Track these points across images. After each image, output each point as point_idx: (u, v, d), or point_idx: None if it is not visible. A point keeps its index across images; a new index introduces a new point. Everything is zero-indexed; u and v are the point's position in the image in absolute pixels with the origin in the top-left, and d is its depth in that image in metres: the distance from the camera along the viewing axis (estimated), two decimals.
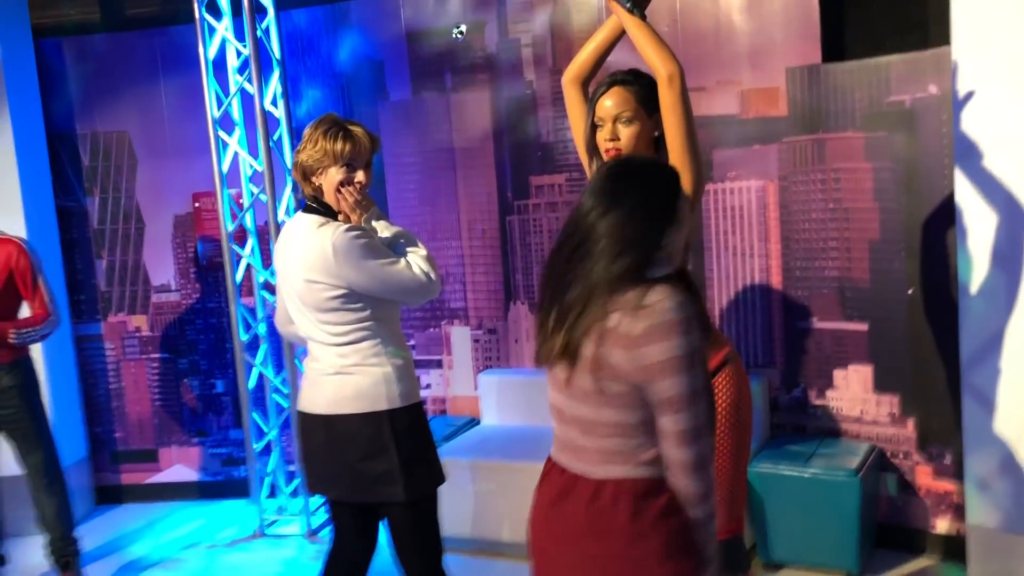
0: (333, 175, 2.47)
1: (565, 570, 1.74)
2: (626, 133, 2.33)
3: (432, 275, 2.49)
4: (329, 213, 2.51)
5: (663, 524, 1.65)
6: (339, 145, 2.46)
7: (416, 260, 2.48)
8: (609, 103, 2.33)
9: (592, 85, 2.46)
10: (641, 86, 2.33)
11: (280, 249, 2.58)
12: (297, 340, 2.70)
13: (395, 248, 2.52)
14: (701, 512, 1.66)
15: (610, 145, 2.34)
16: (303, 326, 2.54)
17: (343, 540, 2.65)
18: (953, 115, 3.05)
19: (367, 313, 2.47)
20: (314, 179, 2.50)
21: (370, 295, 2.44)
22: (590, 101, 2.38)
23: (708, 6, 3.81)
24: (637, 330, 1.60)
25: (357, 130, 2.51)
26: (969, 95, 2.97)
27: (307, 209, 2.53)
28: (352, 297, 2.43)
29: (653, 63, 2.24)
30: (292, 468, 4.42)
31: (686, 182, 2.27)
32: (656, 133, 2.35)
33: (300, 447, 2.64)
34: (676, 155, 2.27)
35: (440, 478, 2.55)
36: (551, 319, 1.72)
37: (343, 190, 2.49)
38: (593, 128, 2.38)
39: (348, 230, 2.42)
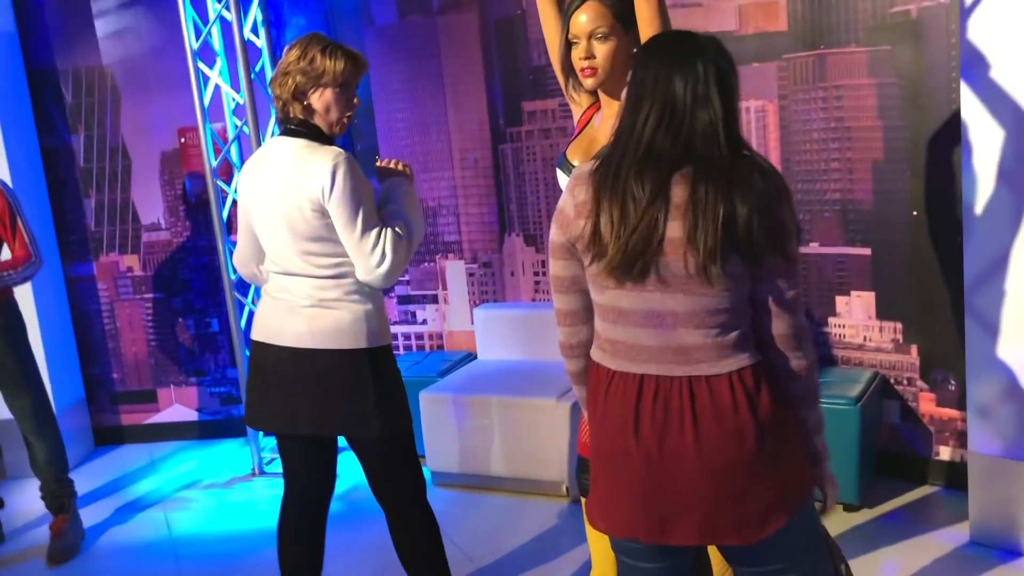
0: (328, 96, 2.36)
1: (700, 484, 1.59)
2: (602, 50, 2.18)
3: (385, 267, 2.33)
4: (320, 137, 2.39)
5: (778, 413, 1.62)
6: (340, 64, 2.35)
7: (388, 239, 2.34)
8: (583, 18, 2.18)
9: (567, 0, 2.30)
10: None
11: (253, 178, 2.43)
12: (257, 282, 2.59)
13: (385, 207, 2.42)
14: (814, 385, 1.66)
15: (585, 64, 2.19)
16: (280, 257, 2.41)
17: (301, 479, 2.58)
18: (960, 24, 2.87)
19: (338, 257, 2.39)
20: (308, 98, 2.37)
21: None
22: (563, 16, 2.24)
23: None
24: (769, 191, 1.57)
25: (348, 49, 2.41)
26: (976, 2, 2.78)
27: (290, 133, 2.39)
28: None
29: None
30: None
31: None
32: (635, 50, 2.21)
33: (254, 380, 2.51)
34: None
35: (410, 416, 2.51)
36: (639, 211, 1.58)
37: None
38: (568, 46, 2.24)
39: (351, 161, 2.33)
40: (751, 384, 1.60)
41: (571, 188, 1.73)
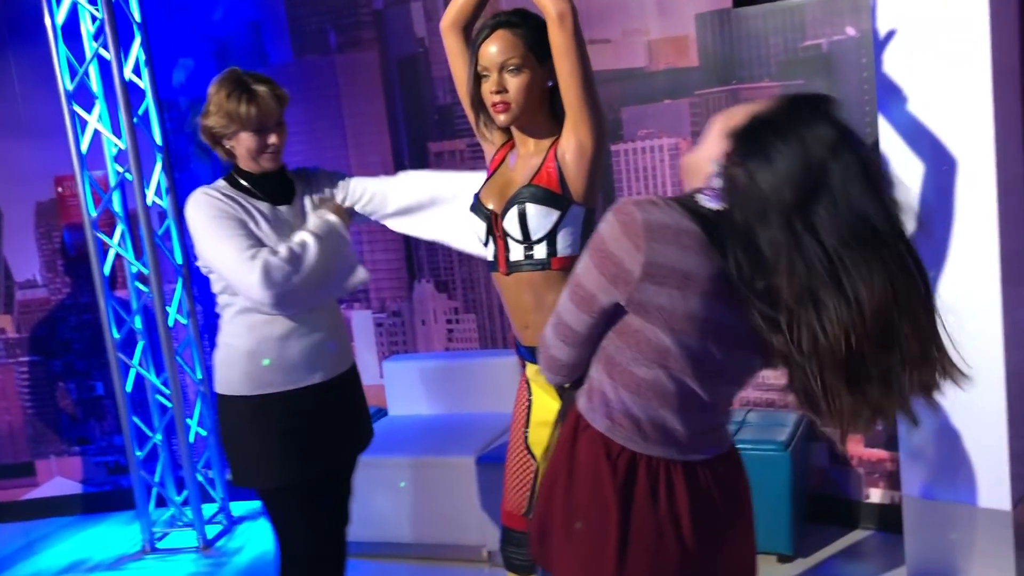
0: (245, 140, 2.28)
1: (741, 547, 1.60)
2: (514, 83, 2.02)
3: (262, 289, 2.17)
4: (252, 180, 2.34)
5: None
6: (243, 109, 2.26)
7: (279, 259, 2.20)
8: (493, 49, 2.02)
9: (475, 30, 2.13)
10: (529, 28, 2.02)
11: None
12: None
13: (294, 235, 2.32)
14: None
15: (497, 99, 2.02)
16: None
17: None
18: (875, 57, 2.82)
19: (221, 284, 2.30)
20: (226, 143, 2.32)
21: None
22: (471, 48, 2.06)
23: None
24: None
25: (262, 89, 2.29)
26: (891, 34, 2.73)
27: (229, 180, 2.35)
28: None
29: (541, 1, 1.93)
30: (182, 474, 4.03)
31: (585, 137, 1.98)
32: (549, 83, 2.05)
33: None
34: (572, 107, 1.97)
35: (270, 479, 2.32)
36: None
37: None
38: (477, 79, 2.06)
39: (205, 191, 2.29)
40: None
41: None
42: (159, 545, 3.90)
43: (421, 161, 3.97)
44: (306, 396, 2.33)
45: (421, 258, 4.08)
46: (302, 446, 2.33)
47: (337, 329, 2.44)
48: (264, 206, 2.32)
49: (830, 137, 1.29)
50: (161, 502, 4.11)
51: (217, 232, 2.22)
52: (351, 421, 2.48)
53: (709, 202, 1.42)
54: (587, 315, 1.49)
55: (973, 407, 2.73)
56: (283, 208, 2.35)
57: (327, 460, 2.40)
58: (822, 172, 1.27)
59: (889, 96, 2.76)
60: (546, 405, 2.21)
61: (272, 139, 2.31)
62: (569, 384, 1.67)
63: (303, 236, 2.29)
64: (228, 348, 2.32)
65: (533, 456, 2.23)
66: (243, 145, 2.30)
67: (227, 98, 2.27)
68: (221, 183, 2.35)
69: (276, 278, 2.18)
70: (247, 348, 2.29)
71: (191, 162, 4.24)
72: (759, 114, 1.37)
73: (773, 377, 3.43)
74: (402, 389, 3.98)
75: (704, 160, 1.47)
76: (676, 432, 1.49)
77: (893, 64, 2.75)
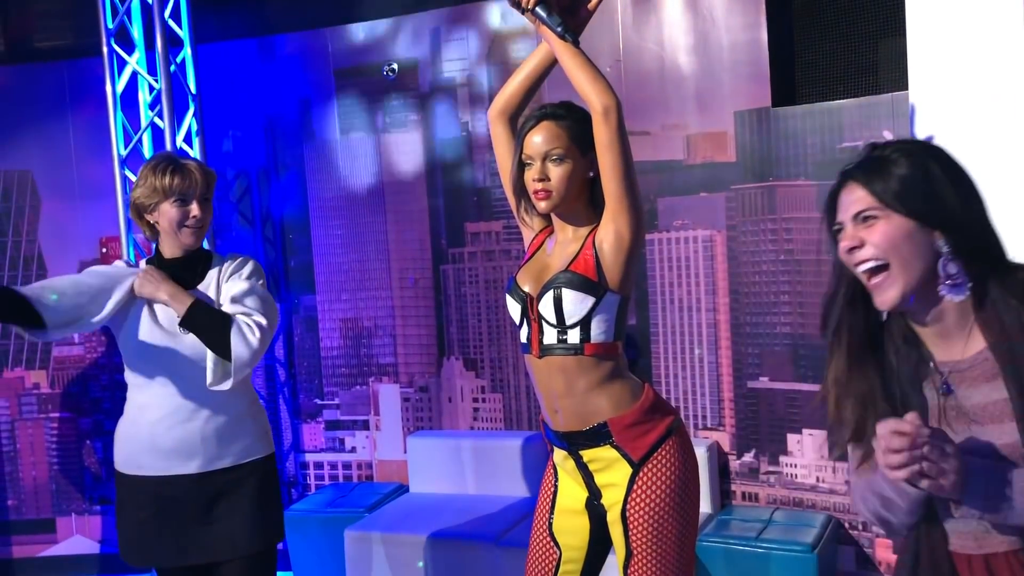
0: (166, 210, 2.33)
1: None
2: (557, 173, 2.07)
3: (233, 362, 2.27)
4: (185, 267, 2.41)
5: None
6: (167, 179, 2.32)
7: (239, 334, 2.29)
8: (538, 139, 2.07)
9: (521, 120, 2.20)
10: (574, 121, 2.08)
11: None
12: None
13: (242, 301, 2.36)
14: None
15: (539, 186, 2.07)
16: None
17: None
18: None
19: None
20: (148, 217, 2.37)
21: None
22: (517, 137, 2.13)
23: (653, 46, 3.61)
24: None
25: (190, 163, 2.38)
26: (929, 140, 2.77)
27: (148, 262, 2.44)
28: None
29: (587, 95, 1.99)
30: None
31: (623, 228, 2.02)
32: (591, 173, 2.10)
33: None
34: (612, 198, 2.01)
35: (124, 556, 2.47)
36: None
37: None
38: (521, 167, 2.12)
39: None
40: None
41: None
42: None
43: (458, 239, 4.04)
44: (183, 481, 2.38)
45: (452, 335, 4.11)
46: (151, 534, 2.40)
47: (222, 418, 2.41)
48: None
49: None
50: None
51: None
52: (232, 519, 2.41)
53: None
54: None
55: None
56: (196, 288, 2.41)
57: (178, 555, 2.40)
58: None
59: None
60: (573, 492, 2.20)
61: (195, 211, 2.35)
62: None
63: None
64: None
65: (557, 544, 2.21)
66: (165, 217, 2.35)
67: (152, 170, 2.35)
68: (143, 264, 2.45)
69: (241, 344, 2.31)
70: (122, 426, 2.46)
71: (232, 231, 4.34)
72: None
73: (801, 476, 3.39)
74: (425, 465, 3.97)
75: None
76: None
77: None
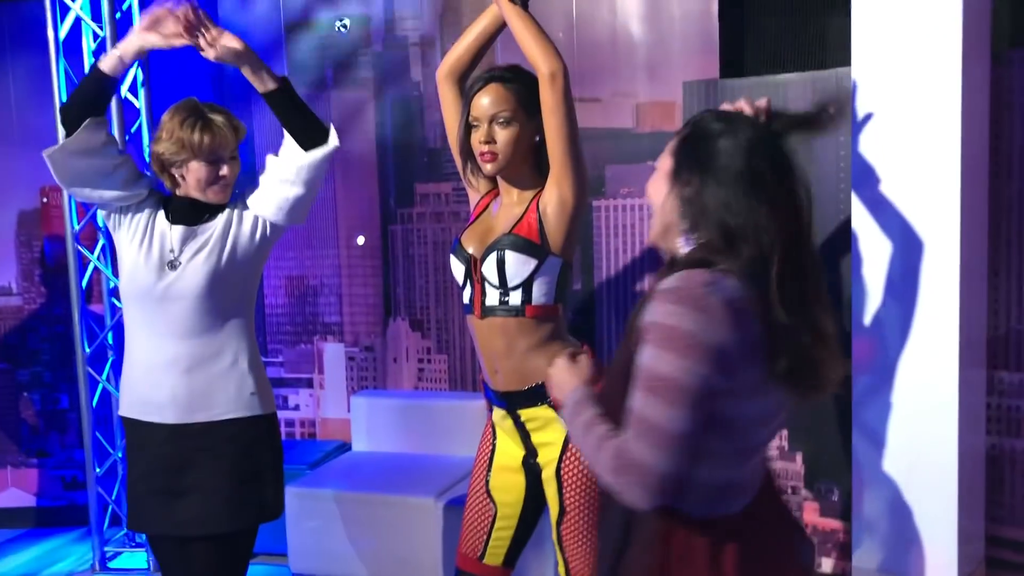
0: (195, 168, 2.23)
1: None
2: (503, 135, 2.09)
3: None
4: (197, 207, 2.29)
5: None
6: (197, 136, 2.21)
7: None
8: (485, 101, 2.09)
9: (469, 82, 2.21)
10: (522, 84, 2.10)
11: None
12: None
13: None
14: None
15: (485, 148, 2.10)
16: None
17: None
18: (852, 137, 2.92)
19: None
20: (174, 172, 2.26)
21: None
22: (465, 98, 2.14)
23: (605, 15, 3.62)
24: None
25: (218, 119, 2.26)
26: (868, 116, 2.84)
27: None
28: None
29: (534, 59, 2.01)
30: None
31: (567, 192, 2.05)
32: (537, 137, 2.12)
33: None
34: (556, 162, 2.04)
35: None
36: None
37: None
38: (468, 128, 2.13)
39: None
40: None
41: None
42: (110, 564, 3.86)
43: (407, 200, 4.03)
44: (158, 433, 2.27)
45: (398, 296, 4.12)
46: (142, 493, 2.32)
47: (201, 368, 2.27)
48: (178, 230, 2.28)
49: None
50: (116, 520, 4.06)
51: None
52: (204, 491, 2.25)
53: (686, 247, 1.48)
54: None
55: (926, 484, 2.80)
56: (200, 226, 2.29)
57: (161, 521, 2.28)
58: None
59: (863, 175, 2.86)
60: (510, 451, 2.24)
61: (224, 171, 2.26)
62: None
63: None
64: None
65: (493, 501, 2.26)
66: (193, 175, 2.25)
67: (180, 125, 2.22)
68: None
69: None
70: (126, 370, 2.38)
71: None
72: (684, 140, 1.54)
73: None
74: (368, 425, 3.99)
75: (664, 209, 1.54)
76: None
77: (869, 144, 2.85)
